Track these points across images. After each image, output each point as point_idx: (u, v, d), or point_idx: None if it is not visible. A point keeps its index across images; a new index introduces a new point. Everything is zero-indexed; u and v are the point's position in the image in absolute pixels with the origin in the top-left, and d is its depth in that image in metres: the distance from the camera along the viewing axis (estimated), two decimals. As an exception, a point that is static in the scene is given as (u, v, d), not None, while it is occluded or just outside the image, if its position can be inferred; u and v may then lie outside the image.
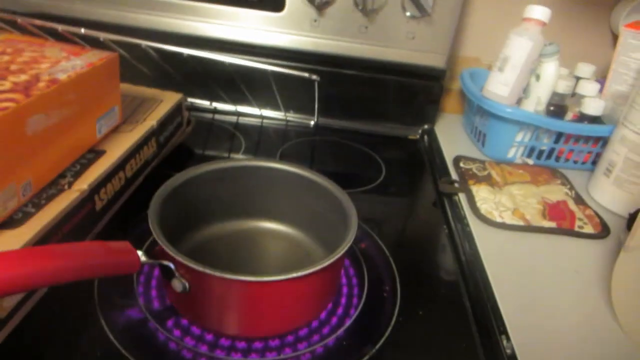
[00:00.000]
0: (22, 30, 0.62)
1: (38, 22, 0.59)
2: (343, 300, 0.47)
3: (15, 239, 0.37)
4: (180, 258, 0.36)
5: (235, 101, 0.83)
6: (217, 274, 0.35)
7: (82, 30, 0.60)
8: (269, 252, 0.52)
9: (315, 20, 0.78)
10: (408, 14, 0.76)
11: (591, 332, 0.46)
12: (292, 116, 0.85)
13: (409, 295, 0.48)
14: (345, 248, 0.40)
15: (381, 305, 0.47)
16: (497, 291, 0.48)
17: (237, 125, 0.82)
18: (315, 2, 0.75)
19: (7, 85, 0.40)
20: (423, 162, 0.79)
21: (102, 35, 0.60)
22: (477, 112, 0.79)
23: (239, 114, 0.85)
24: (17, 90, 0.40)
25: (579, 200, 0.67)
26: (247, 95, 0.80)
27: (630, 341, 0.45)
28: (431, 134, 0.85)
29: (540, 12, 0.68)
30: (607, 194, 0.67)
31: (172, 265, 0.37)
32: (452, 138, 0.84)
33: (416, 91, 0.84)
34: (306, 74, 0.71)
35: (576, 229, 0.61)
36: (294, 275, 0.36)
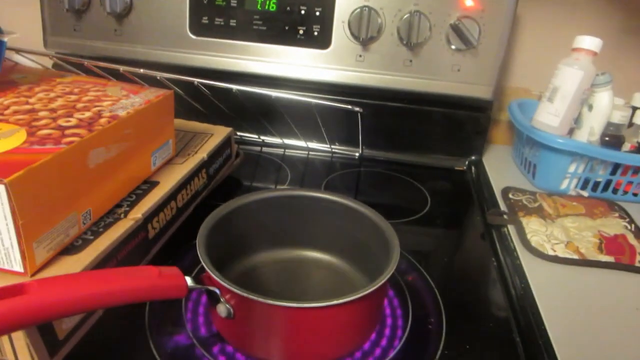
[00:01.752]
0: (88, 72, 0.68)
1: (102, 64, 0.64)
2: (387, 332, 0.47)
3: (75, 264, 0.40)
4: (225, 283, 0.37)
5: (282, 134, 0.86)
6: (260, 299, 0.36)
7: (141, 70, 0.64)
8: (313, 281, 0.52)
9: (360, 56, 0.80)
10: (453, 47, 0.77)
11: (656, 376, 0.42)
12: (337, 148, 0.86)
13: (456, 329, 0.47)
14: (387, 276, 0.40)
15: (426, 338, 0.46)
16: (550, 328, 0.46)
17: (283, 158, 0.85)
18: (361, 38, 0.77)
19: (73, 121, 0.44)
20: (470, 193, 0.78)
21: (159, 75, 0.65)
22: (526, 143, 0.78)
23: (285, 147, 0.87)
24: (81, 126, 0.43)
25: (639, 234, 0.64)
26: (293, 128, 0.83)
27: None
28: (478, 165, 0.84)
29: (590, 42, 0.66)
30: (671, 228, 0.63)
31: (217, 291, 0.39)
32: (500, 169, 0.82)
33: (462, 122, 0.84)
34: (349, 106, 0.73)
35: (637, 264, 0.57)
36: (336, 302, 0.36)
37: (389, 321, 0.48)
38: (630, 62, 0.87)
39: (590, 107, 0.70)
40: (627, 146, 0.74)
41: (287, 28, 0.80)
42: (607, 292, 0.53)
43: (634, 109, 0.77)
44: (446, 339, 0.46)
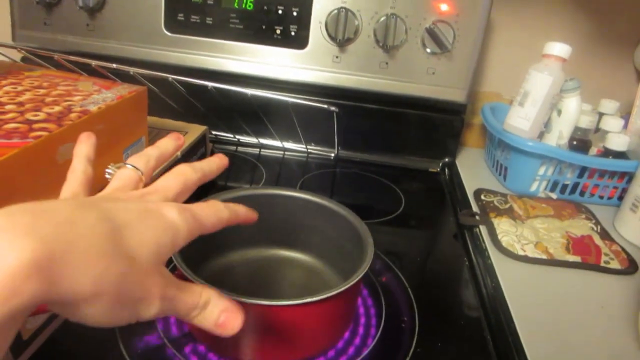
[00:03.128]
0: (58, 67, 0.66)
1: (73, 58, 0.63)
2: (361, 330, 0.47)
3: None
4: (199, 282, 0.36)
5: (257, 134, 0.86)
6: (233, 297, 0.35)
7: (114, 66, 0.63)
8: (288, 279, 0.52)
9: (337, 57, 0.80)
10: (428, 50, 0.78)
11: (619, 371, 0.44)
12: (313, 149, 0.86)
13: (428, 327, 0.47)
14: (361, 274, 0.40)
15: (399, 336, 0.46)
16: (519, 325, 0.47)
17: (259, 157, 0.84)
18: (337, 39, 0.77)
19: (41, 115, 0.43)
20: (444, 194, 0.79)
21: (132, 70, 0.63)
22: (498, 145, 0.79)
23: (261, 146, 0.87)
24: (50, 121, 0.42)
25: (605, 235, 0.66)
26: (269, 127, 0.83)
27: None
28: (452, 167, 0.85)
29: (559, 49, 0.68)
30: (635, 230, 0.65)
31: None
32: (473, 171, 0.84)
33: (437, 125, 0.85)
34: (325, 105, 0.73)
35: (602, 264, 0.59)
36: (310, 300, 0.36)
37: (362, 320, 0.48)
38: (597, 69, 0.90)
39: (560, 112, 0.72)
40: (593, 150, 0.77)
41: (264, 27, 0.79)
42: (574, 291, 0.54)
43: (601, 114, 0.80)
44: (419, 337, 0.46)
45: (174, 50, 0.81)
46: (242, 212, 0.33)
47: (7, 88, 0.48)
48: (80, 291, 0.20)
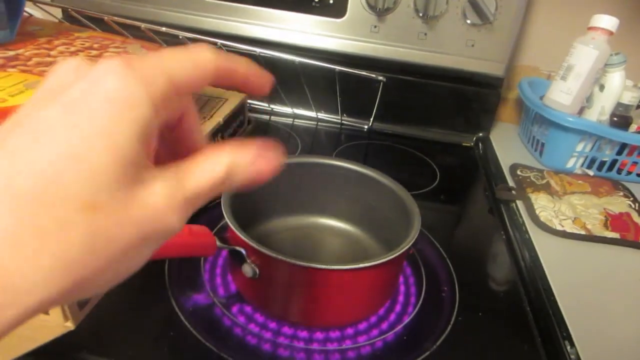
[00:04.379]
0: (106, 29, 0.67)
1: (122, 20, 0.63)
2: (401, 299, 0.48)
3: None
4: (253, 243, 0.37)
5: (292, 103, 0.86)
6: (288, 259, 0.36)
7: (163, 29, 0.63)
8: (328, 247, 0.53)
9: (375, 27, 0.79)
10: (469, 21, 0.77)
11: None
12: (347, 120, 0.86)
13: (468, 298, 0.48)
14: (409, 245, 0.40)
15: (440, 306, 0.47)
16: (559, 297, 0.48)
17: (292, 127, 0.84)
18: (377, 8, 0.76)
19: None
20: (478, 169, 0.79)
21: (181, 34, 0.63)
22: (535, 121, 0.78)
23: (295, 116, 0.87)
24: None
25: (643, 213, 0.65)
26: (308, 97, 0.82)
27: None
28: (486, 141, 0.84)
29: (607, 22, 0.66)
30: (675, 208, 0.65)
31: (243, 251, 0.39)
32: (507, 146, 0.83)
33: (473, 99, 0.84)
34: (373, 74, 0.73)
35: (642, 241, 0.59)
36: (360, 265, 0.37)
37: (402, 289, 0.49)
38: (641, 44, 0.88)
39: (602, 87, 0.71)
40: (633, 127, 0.75)
41: (303, -5, 0.78)
42: (613, 267, 0.54)
43: (643, 91, 0.78)
44: (459, 307, 0.47)
45: (215, 17, 0.81)
46: (243, 67, 0.21)
47: (60, 48, 0.48)
48: None
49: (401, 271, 0.49)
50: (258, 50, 0.70)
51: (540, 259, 0.54)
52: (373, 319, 0.45)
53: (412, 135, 0.86)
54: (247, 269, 0.39)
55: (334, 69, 0.73)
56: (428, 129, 0.87)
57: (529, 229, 0.59)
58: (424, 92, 0.84)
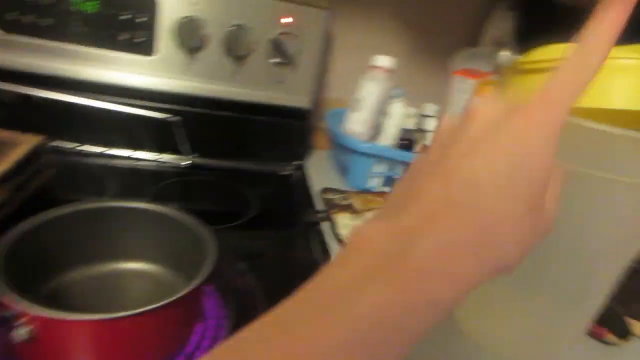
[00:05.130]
0: None
1: None
2: (210, 332, 0.49)
3: None
4: (22, 305, 0.36)
5: (105, 143, 0.83)
6: (62, 316, 0.35)
7: None
8: (134, 293, 0.52)
9: (187, 65, 0.81)
10: (274, 60, 0.83)
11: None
12: (165, 157, 0.86)
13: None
14: (198, 282, 0.42)
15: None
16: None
17: (106, 168, 0.82)
18: (186, 47, 0.78)
19: None
20: (293, 196, 0.85)
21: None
22: (339, 147, 0.87)
23: (109, 157, 0.84)
24: None
25: (427, 222, 0.77)
26: (115, 137, 0.81)
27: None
28: (301, 169, 0.91)
29: (385, 61, 0.78)
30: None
31: (14, 313, 0.37)
32: (321, 172, 0.91)
33: (286, 130, 0.90)
34: (162, 115, 0.74)
35: (423, 247, 0.69)
36: (145, 309, 0.38)
37: (212, 322, 0.51)
38: (420, 77, 1.04)
39: (389, 116, 0.82)
40: (418, 147, 0.88)
41: (109, 32, 0.77)
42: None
43: (424, 116, 0.92)
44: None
45: (7, 52, 0.75)
46: None
47: None
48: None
49: (197, 309, 0.50)
50: (73, 99, 0.66)
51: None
52: (180, 358, 0.46)
53: (233, 168, 0.89)
54: (21, 332, 0.37)
55: (121, 112, 0.73)
56: (248, 161, 0.91)
57: (331, 248, 0.65)
58: (241, 126, 0.88)
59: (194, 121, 0.84)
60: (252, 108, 0.86)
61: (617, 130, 0.36)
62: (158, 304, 0.38)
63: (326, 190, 0.81)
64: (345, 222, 0.71)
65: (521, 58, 0.41)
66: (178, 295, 0.39)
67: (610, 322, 0.55)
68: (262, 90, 0.85)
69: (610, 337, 0.54)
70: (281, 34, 0.81)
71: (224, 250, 0.58)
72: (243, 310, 0.53)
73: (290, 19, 0.82)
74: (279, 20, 0.81)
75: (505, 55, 0.77)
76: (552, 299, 0.46)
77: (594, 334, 0.55)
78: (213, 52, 0.81)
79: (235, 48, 0.80)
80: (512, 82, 0.42)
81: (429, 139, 0.85)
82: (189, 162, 0.86)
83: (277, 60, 0.83)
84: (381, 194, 0.84)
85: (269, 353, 0.21)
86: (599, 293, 0.47)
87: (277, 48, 0.81)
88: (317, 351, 0.21)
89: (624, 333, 0.55)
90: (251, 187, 0.83)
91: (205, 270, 0.43)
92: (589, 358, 0.52)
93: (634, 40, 0.41)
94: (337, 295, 0.22)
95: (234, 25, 0.79)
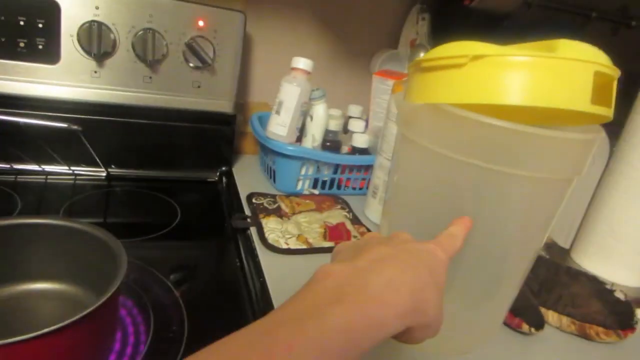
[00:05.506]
0: None
1: None
2: (129, 350, 0.47)
3: None
4: None
5: (13, 158, 0.77)
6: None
7: None
8: (41, 315, 0.48)
9: (95, 72, 0.77)
10: (191, 64, 0.81)
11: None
12: (79, 170, 0.81)
13: (198, 333, 0.50)
14: (105, 298, 0.39)
15: (167, 347, 0.47)
16: (278, 312, 0.52)
17: (16, 185, 0.75)
18: (93, 53, 0.74)
19: None
20: (220, 202, 0.82)
21: None
22: (266, 151, 0.86)
23: (17, 173, 0.78)
24: None
25: (355, 220, 0.77)
26: (25, 151, 0.75)
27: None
28: (229, 174, 0.89)
29: (304, 63, 0.78)
30: (375, 212, 0.78)
31: None
32: (248, 177, 0.89)
33: (210, 136, 0.88)
34: (65, 125, 0.70)
35: (351, 245, 0.70)
36: (45, 331, 0.35)
37: (131, 339, 0.48)
38: (343, 78, 1.05)
39: (312, 118, 0.82)
40: (345, 149, 0.89)
41: (8, 40, 0.71)
42: (327, 273, 0.63)
43: (349, 118, 0.93)
44: (186, 346, 0.48)
45: None
46: None
47: None
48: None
49: (112, 325, 0.47)
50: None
51: (267, 281, 0.58)
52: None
53: (155, 177, 0.85)
54: None
55: (18, 121, 0.68)
56: (171, 169, 0.87)
57: (259, 253, 0.64)
58: (162, 134, 0.85)
59: (107, 131, 0.80)
60: (172, 114, 0.83)
61: (513, 126, 0.38)
62: (59, 325, 0.35)
63: (254, 195, 0.80)
64: (272, 226, 0.70)
65: (419, 57, 0.42)
66: (84, 313, 0.36)
67: (525, 313, 0.57)
68: (181, 96, 0.82)
69: (526, 327, 0.56)
70: (195, 37, 0.79)
71: (149, 262, 0.56)
72: (167, 325, 0.50)
73: (204, 22, 0.80)
74: (194, 24, 0.79)
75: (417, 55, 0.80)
76: (466, 293, 0.47)
77: (510, 325, 0.57)
78: (123, 57, 0.77)
79: (147, 53, 0.77)
80: (413, 80, 0.43)
81: (355, 140, 0.86)
82: (104, 174, 0.82)
83: (194, 64, 0.80)
84: (309, 196, 0.83)
85: (252, 350, 0.26)
86: (510, 284, 0.49)
87: (193, 51, 0.79)
88: (295, 351, 0.25)
89: (538, 323, 0.57)
90: (176, 196, 0.80)
91: (115, 284, 0.41)
92: (507, 349, 0.54)
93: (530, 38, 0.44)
94: (311, 311, 0.28)
95: (143, 29, 0.76)
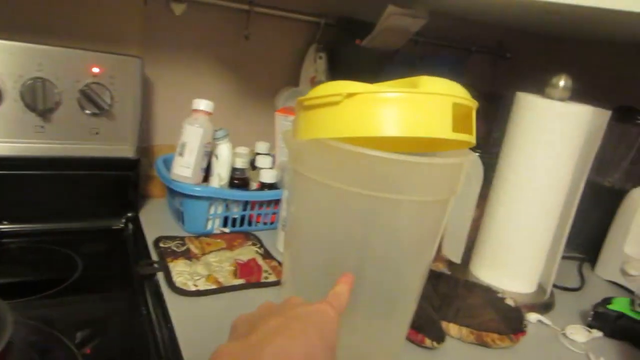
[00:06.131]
0: None
1: None
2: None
3: None
4: None
5: None
6: None
7: None
8: None
9: (-19, 124, 0.73)
10: (87, 111, 0.79)
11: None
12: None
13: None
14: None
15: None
16: (186, 356, 0.52)
17: None
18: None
19: None
20: (126, 250, 0.80)
21: None
22: (172, 193, 0.85)
23: None
24: None
25: (267, 255, 0.78)
26: None
27: None
28: (135, 220, 0.87)
29: (204, 104, 0.79)
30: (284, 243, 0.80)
31: None
32: (156, 221, 0.87)
33: (113, 182, 0.85)
34: None
35: (262, 280, 0.70)
36: None
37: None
38: (249, 116, 1.08)
39: (217, 157, 0.83)
40: (254, 185, 0.91)
41: None
42: (239, 309, 0.62)
43: (257, 154, 0.95)
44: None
45: None
46: None
47: None
48: None
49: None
50: None
51: (174, 326, 0.57)
52: None
53: (55, 230, 0.81)
54: None
55: None
56: (73, 220, 0.83)
57: (167, 298, 0.63)
58: (61, 184, 0.81)
59: (3, 184, 0.75)
60: (70, 162, 0.80)
61: (386, 155, 0.41)
62: None
63: (161, 239, 0.78)
64: (180, 269, 0.69)
65: (302, 97, 0.45)
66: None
67: (426, 329, 0.60)
68: (78, 143, 0.80)
69: (428, 342, 0.60)
70: (91, 83, 0.78)
71: (46, 321, 0.53)
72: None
73: (100, 69, 0.79)
74: (88, 70, 0.78)
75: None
76: (368, 314, 0.50)
77: (414, 341, 0.61)
78: (10, 107, 0.74)
79: (37, 102, 0.74)
80: (298, 118, 0.46)
81: (262, 176, 0.87)
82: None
83: (90, 111, 0.79)
84: (220, 235, 0.83)
85: None
86: (408, 300, 0.52)
87: (88, 98, 0.77)
88: None
89: (439, 336, 0.61)
90: (77, 247, 0.76)
91: None
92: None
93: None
94: None
95: (32, 79, 0.73)
